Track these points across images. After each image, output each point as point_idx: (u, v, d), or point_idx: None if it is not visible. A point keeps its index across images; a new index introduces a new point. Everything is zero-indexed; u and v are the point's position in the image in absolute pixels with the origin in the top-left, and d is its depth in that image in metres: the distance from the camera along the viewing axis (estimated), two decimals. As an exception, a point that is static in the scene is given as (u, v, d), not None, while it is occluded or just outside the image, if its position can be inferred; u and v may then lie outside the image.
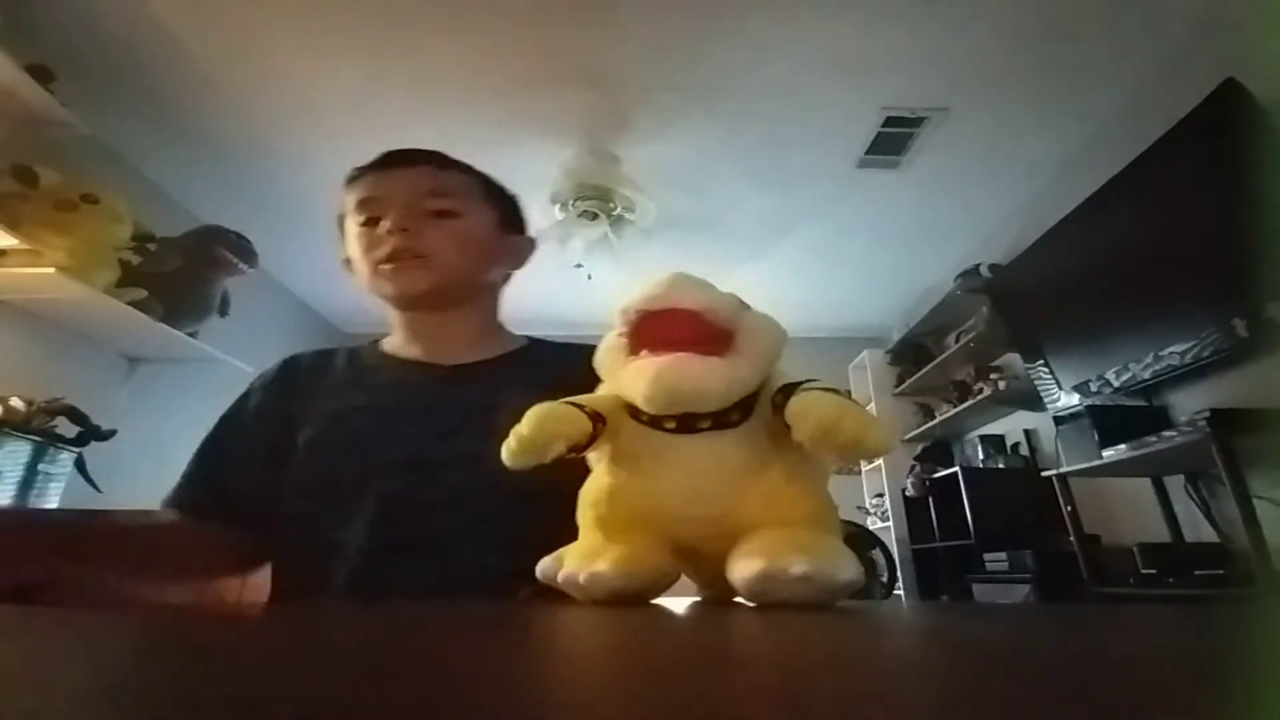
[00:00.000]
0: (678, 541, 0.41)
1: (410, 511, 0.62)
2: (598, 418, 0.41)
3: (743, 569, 0.35)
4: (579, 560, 0.39)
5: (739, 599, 0.39)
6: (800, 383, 0.40)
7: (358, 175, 0.76)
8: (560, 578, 0.39)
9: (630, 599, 0.37)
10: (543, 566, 0.43)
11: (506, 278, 0.83)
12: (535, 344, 0.81)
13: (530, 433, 0.39)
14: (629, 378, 0.39)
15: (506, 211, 0.80)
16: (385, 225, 0.70)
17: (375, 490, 0.63)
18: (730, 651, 0.23)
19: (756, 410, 0.41)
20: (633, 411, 0.41)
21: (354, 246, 0.74)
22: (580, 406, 0.41)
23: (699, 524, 0.41)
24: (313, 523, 0.64)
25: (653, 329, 0.40)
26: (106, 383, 2.30)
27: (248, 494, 0.68)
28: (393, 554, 0.61)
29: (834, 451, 0.35)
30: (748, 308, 0.43)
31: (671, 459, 0.41)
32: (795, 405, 0.37)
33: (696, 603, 0.45)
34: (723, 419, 0.40)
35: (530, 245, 0.84)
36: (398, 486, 0.63)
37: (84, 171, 1.91)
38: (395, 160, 0.75)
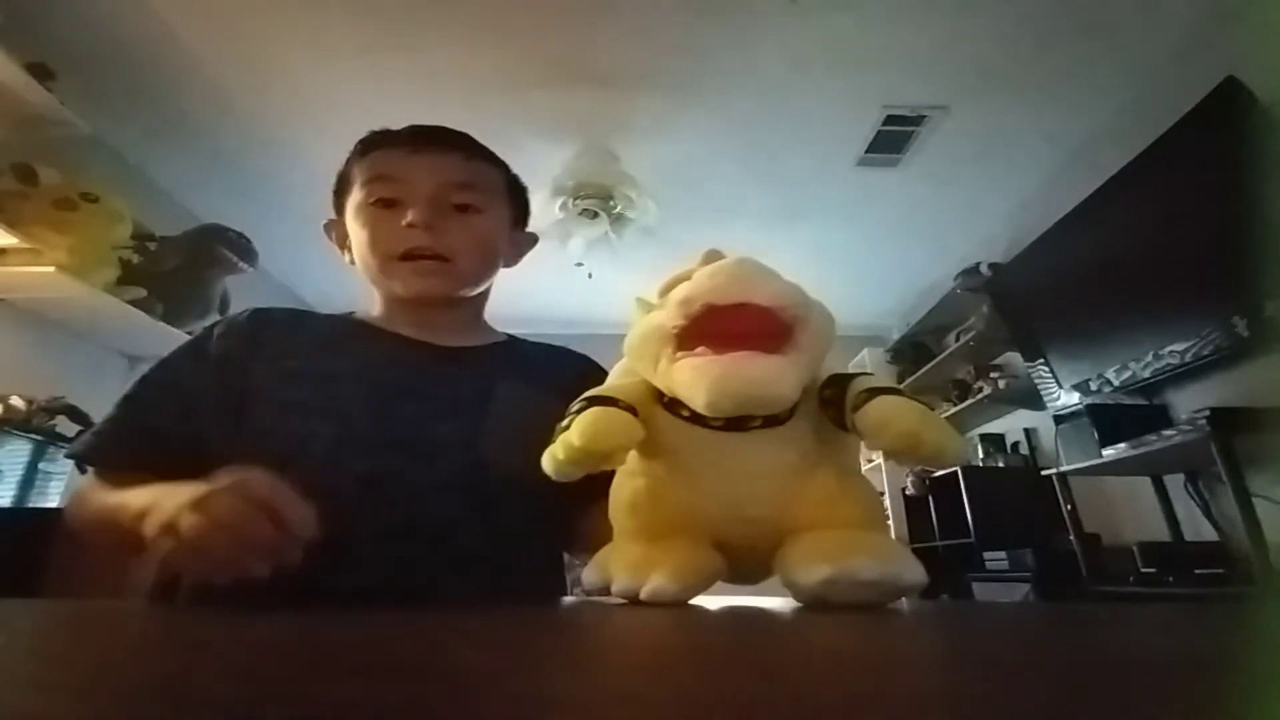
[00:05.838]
0: (720, 541, 0.40)
1: (397, 495, 0.57)
2: (632, 412, 0.38)
3: (808, 573, 0.34)
4: (631, 572, 0.38)
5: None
6: (851, 376, 0.38)
7: (377, 144, 0.69)
8: (616, 590, 0.38)
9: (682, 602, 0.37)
10: (588, 578, 0.41)
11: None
12: (515, 340, 0.79)
13: (585, 443, 0.35)
14: (684, 376, 0.36)
15: (519, 207, 0.78)
16: (409, 218, 0.64)
17: (355, 469, 0.57)
18: (733, 653, 0.23)
19: (802, 405, 0.38)
20: (667, 403, 0.39)
21: (358, 224, 0.67)
22: (615, 401, 0.38)
23: (749, 526, 0.39)
24: None
25: (717, 323, 0.35)
26: (106, 382, 2.29)
27: (188, 447, 0.59)
28: (373, 540, 0.55)
29: (911, 462, 0.34)
30: (806, 294, 0.39)
31: (719, 460, 0.38)
32: (873, 415, 0.35)
33: (714, 601, 0.45)
34: (772, 415, 0.37)
35: (531, 241, 0.82)
36: (384, 467, 0.58)
37: (84, 170, 1.91)
38: (423, 140, 0.68)
